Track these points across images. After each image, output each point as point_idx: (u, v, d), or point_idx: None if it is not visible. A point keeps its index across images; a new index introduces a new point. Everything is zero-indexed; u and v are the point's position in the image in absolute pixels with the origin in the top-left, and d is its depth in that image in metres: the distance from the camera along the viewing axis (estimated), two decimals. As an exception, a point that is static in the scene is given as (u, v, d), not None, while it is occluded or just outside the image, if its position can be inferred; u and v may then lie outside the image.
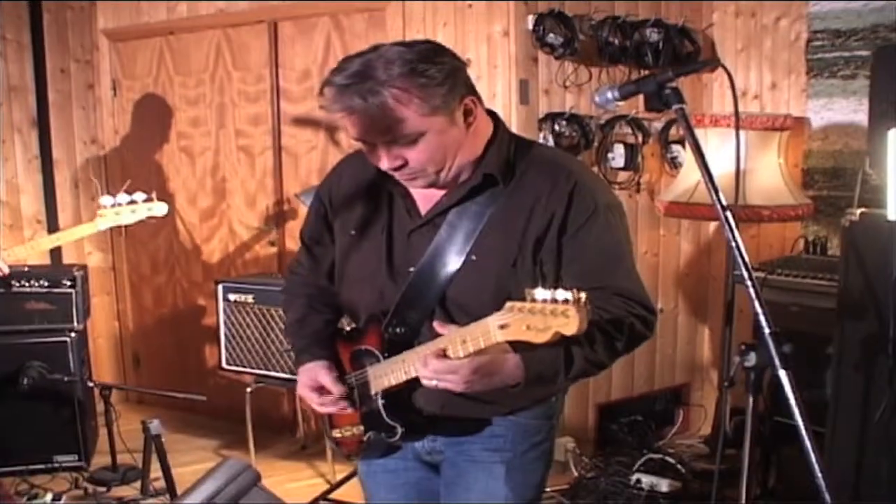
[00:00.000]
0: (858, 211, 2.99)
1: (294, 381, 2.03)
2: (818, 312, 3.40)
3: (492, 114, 1.88)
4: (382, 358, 1.87)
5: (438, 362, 1.61)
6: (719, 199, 1.63)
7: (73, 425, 4.15)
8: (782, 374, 1.53)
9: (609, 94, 1.83)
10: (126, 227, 3.61)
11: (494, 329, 1.53)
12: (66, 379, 4.04)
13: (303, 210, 3.23)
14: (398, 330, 1.85)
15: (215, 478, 2.07)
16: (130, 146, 5.29)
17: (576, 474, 4.02)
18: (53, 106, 5.01)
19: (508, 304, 1.50)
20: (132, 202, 3.55)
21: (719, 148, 3.64)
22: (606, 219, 1.79)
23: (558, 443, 3.89)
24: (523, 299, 1.49)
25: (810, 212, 3.87)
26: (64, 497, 3.91)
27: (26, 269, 4.14)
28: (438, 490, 2.04)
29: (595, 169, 4.03)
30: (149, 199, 3.58)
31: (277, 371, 4.11)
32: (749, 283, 1.59)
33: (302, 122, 4.68)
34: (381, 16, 4.29)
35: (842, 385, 3.03)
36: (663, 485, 3.80)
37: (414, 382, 1.75)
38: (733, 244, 1.62)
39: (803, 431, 1.48)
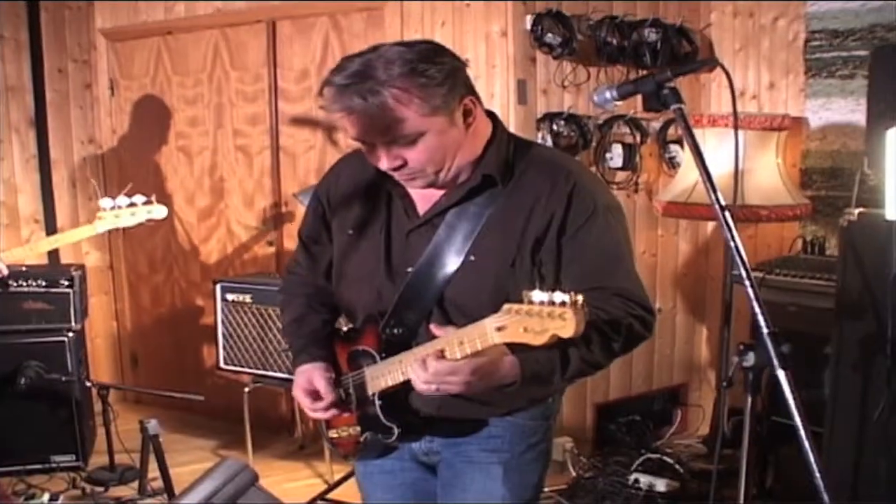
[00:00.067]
0: (856, 211, 2.99)
1: (292, 380, 2.03)
2: (816, 312, 3.40)
3: (491, 114, 1.87)
4: (380, 359, 1.86)
5: (438, 364, 1.61)
6: (718, 199, 1.63)
7: (71, 425, 4.14)
8: (781, 374, 1.53)
9: (607, 94, 1.83)
10: (125, 229, 3.62)
11: (491, 331, 1.53)
12: (63, 379, 4.04)
13: (301, 210, 3.23)
14: (396, 331, 1.85)
15: (213, 478, 2.07)
16: (128, 146, 5.28)
17: (574, 474, 4.02)
18: (51, 105, 5.00)
19: (506, 307, 1.50)
20: (132, 205, 3.54)
21: (717, 148, 3.64)
22: (606, 219, 1.79)
23: (556, 443, 3.90)
24: (521, 301, 1.48)
25: (808, 212, 3.87)
26: (61, 497, 3.91)
27: (24, 268, 4.13)
28: (435, 491, 2.04)
29: (593, 169, 4.03)
30: (148, 202, 3.58)
31: (275, 371, 4.11)
32: (748, 283, 1.59)
33: (300, 121, 4.68)
34: (379, 15, 4.29)
35: (840, 385, 3.04)
36: (661, 485, 3.81)
37: (411, 384, 1.75)
38: (732, 244, 1.62)
39: (802, 431, 1.48)
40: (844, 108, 4.05)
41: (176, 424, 4.79)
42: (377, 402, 1.88)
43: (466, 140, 1.77)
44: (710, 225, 4.53)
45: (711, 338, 4.64)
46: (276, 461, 4.46)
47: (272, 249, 4.89)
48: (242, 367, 4.20)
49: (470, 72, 1.78)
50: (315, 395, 1.94)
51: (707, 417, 4.52)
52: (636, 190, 4.31)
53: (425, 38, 3.95)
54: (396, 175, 1.78)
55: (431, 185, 1.80)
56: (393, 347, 1.83)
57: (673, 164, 4.36)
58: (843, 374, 3.01)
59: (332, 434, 2.05)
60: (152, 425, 3.71)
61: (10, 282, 4.07)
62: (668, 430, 4.58)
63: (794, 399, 1.50)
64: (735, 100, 1.85)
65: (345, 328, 2.08)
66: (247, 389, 4.23)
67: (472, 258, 1.79)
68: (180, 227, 5.17)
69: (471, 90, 1.77)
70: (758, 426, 3.39)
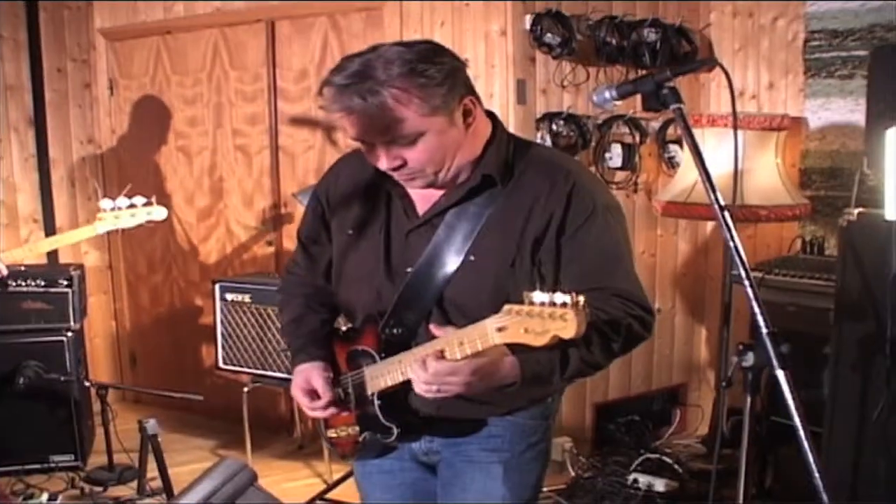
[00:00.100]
0: (856, 211, 2.99)
1: (291, 380, 2.02)
2: (815, 312, 3.40)
3: (490, 114, 1.87)
4: (379, 358, 1.86)
5: (438, 364, 1.61)
6: (717, 199, 1.63)
7: (70, 425, 4.14)
8: (780, 374, 1.52)
9: (607, 94, 1.83)
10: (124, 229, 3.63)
11: (492, 331, 1.53)
12: (62, 378, 4.04)
13: (300, 210, 3.23)
14: (395, 331, 1.85)
15: (212, 477, 2.07)
16: (127, 145, 5.28)
17: (573, 474, 4.02)
18: (50, 105, 5.00)
19: (506, 307, 1.50)
20: (131, 206, 3.55)
21: (717, 148, 3.64)
22: (605, 219, 1.79)
23: (555, 442, 3.90)
24: (521, 302, 1.48)
25: (808, 212, 3.87)
26: (60, 497, 3.91)
27: (23, 268, 4.12)
28: (435, 491, 2.04)
29: (592, 169, 4.03)
30: (148, 204, 3.58)
31: (274, 371, 4.11)
32: (747, 283, 1.59)
33: (299, 121, 4.68)
34: (378, 15, 4.29)
35: (839, 385, 3.04)
36: (660, 485, 3.81)
37: (410, 383, 1.74)
38: (731, 244, 1.62)
39: (801, 431, 1.48)
40: (844, 108, 4.05)
41: (175, 424, 4.79)
42: (376, 402, 1.88)
43: (466, 140, 1.77)
44: (710, 225, 4.53)
45: (710, 338, 4.64)
46: (275, 461, 4.45)
47: (271, 249, 4.89)
48: (241, 366, 4.20)
49: (469, 72, 1.78)
50: (313, 395, 1.94)
51: (706, 417, 4.52)
52: (635, 190, 4.31)
53: (425, 37, 3.95)
54: (396, 175, 1.78)
55: (431, 185, 1.80)
56: (392, 347, 1.83)
57: (672, 164, 4.36)
58: (842, 374, 3.01)
59: (331, 434, 2.05)
60: (151, 425, 3.70)
61: (9, 281, 4.06)
62: (667, 430, 4.58)
63: (794, 399, 1.50)
64: (734, 100, 1.85)
65: (344, 328, 2.08)
66: (246, 389, 4.23)
67: (472, 258, 1.79)
68: (179, 226, 5.17)
69: (470, 90, 1.77)
70: (757, 426, 3.39)
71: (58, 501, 3.86)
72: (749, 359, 1.70)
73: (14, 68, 4.83)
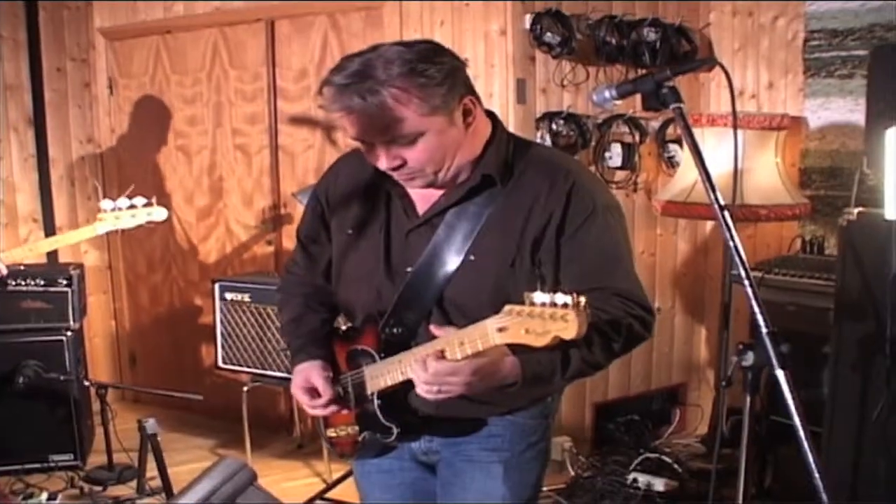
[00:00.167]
0: (856, 210, 2.99)
1: (290, 379, 2.02)
2: (815, 312, 3.40)
3: (490, 114, 1.87)
4: (379, 358, 1.86)
5: (438, 364, 1.60)
6: (717, 199, 1.63)
7: (69, 424, 4.14)
8: (780, 373, 1.52)
9: (607, 93, 1.83)
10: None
11: (493, 332, 1.53)
12: (62, 378, 4.04)
13: (300, 209, 3.23)
14: (395, 330, 1.85)
15: (211, 477, 2.06)
16: (127, 145, 5.28)
17: (572, 473, 4.02)
18: (49, 105, 5.00)
19: (507, 308, 1.50)
20: (132, 206, 3.55)
21: (716, 147, 3.64)
22: (605, 219, 1.79)
23: (555, 442, 3.90)
24: (522, 302, 1.48)
25: (807, 211, 3.87)
26: (60, 496, 3.91)
27: (22, 267, 4.12)
28: (434, 490, 2.03)
29: (592, 168, 4.03)
30: (149, 204, 3.58)
31: (274, 370, 4.11)
32: (747, 282, 1.58)
33: (299, 121, 4.68)
34: (378, 14, 4.29)
35: (839, 385, 3.04)
36: (660, 484, 3.80)
37: (410, 383, 1.74)
38: (731, 244, 1.62)
39: (801, 431, 1.48)
40: (843, 108, 4.05)
41: (174, 423, 4.79)
42: (376, 402, 1.87)
43: (466, 140, 1.77)
44: (709, 224, 4.53)
45: (710, 337, 4.64)
46: (274, 460, 4.45)
47: (271, 249, 4.88)
48: (241, 366, 4.20)
49: (469, 71, 1.78)
50: (314, 393, 1.94)
51: (706, 417, 4.52)
52: (635, 189, 4.31)
53: (424, 37, 3.94)
54: (395, 175, 1.78)
55: (431, 184, 1.80)
56: (392, 347, 1.83)
57: (672, 164, 4.36)
58: (842, 374, 3.01)
59: (331, 433, 2.05)
60: (151, 424, 3.71)
61: (9, 281, 4.06)
62: (666, 430, 4.58)
63: (793, 399, 1.50)
64: (734, 99, 1.85)
65: (343, 327, 2.08)
66: (245, 388, 4.23)
67: (472, 258, 1.79)
68: (179, 226, 5.17)
69: (470, 90, 1.77)
70: (756, 426, 3.39)
71: (57, 501, 3.86)
72: (749, 358, 1.69)
73: (14, 68, 4.83)
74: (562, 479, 3.95)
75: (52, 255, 4.67)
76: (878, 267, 2.83)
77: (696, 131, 3.59)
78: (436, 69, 1.67)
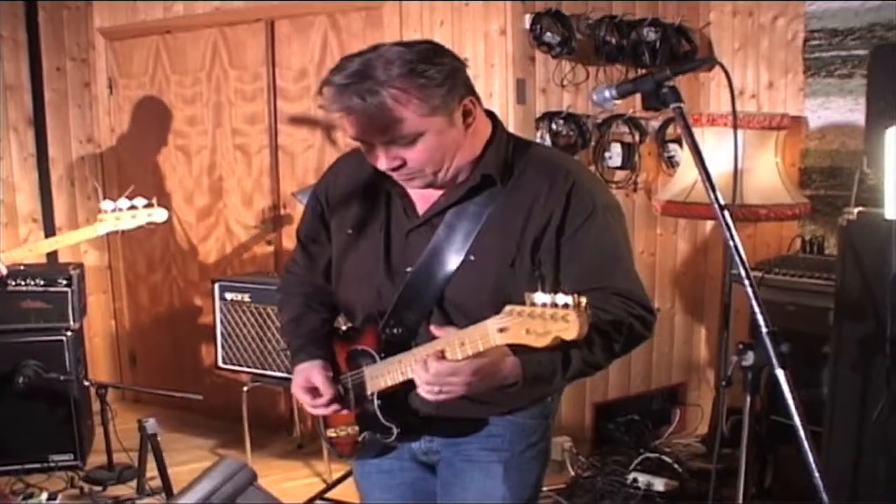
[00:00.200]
0: (856, 210, 2.99)
1: (290, 379, 2.02)
2: (815, 312, 3.40)
3: (490, 114, 1.87)
4: (379, 358, 1.86)
5: (439, 364, 1.60)
6: (717, 198, 1.63)
7: (69, 424, 4.14)
8: (780, 373, 1.52)
9: (607, 93, 1.83)
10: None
11: (493, 332, 1.53)
12: (62, 378, 4.04)
13: (299, 209, 3.24)
14: (395, 330, 1.85)
15: (211, 477, 2.06)
16: (127, 145, 5.28)
17: (572, 473, 4.02)
18: (49, 104, 5.00)
19: (508, 308, 1.50)
20: (132, 207, 3.55)
21: (716, 147, 3.63)
22: (605, 219, 1.78)
23: (555, 442, 3.90)
24: (523, 303, 1.48)
25: (807, 211, 3.86)
26: (60, 496, 3.91)
27: (22, 267, 4.12)
28: (434, 490, 2.03)
29: (592, 168, 4.03)
30: (149, 205, 3.58)
31: (274, 370, 4.11)
32: (747, 282, 1.58)
33: (298, 120, 4.68)
34: (377, 14, 4.28)
35: (839, 384, 3.03)
36: (660, 484, 3.80)
37: (410, 383, 1.74)
38: (731, 243, 1.62)
39: (801, 431, 1.48)
40: (843, 108, 4.05)
41: (174, 423, 4.79)
42: (376, 402, 1.87)
43: (466, 140, 1.77)
44: (709, 224, 4.53)
45: (710, 337, 4.64)
46: (274, 460, 4.45)
47: (271, 249, 4.88)
48: (241, 366, 4.20)
49: (469, 71, 1.78)
50: (314, 392, 1.94)
51: (706, 417, 4.52)
52: (635, 189, 4.31)
53: (424, 37, 3.95)
54: (395, 175, 1.78)
55: (430, 185, 1.80)
56: (392, 347, 1.83)
57: (672, 164, 4.36)
58: (842, 374, 3.01)
59: (331, 433, 2.05)
60: (151, 424, 3.70)
61: (9, 281, 4.06)
62: (666, 430, 4.58)
63: (794, 398, 1.50)
64: (734, 99, 1.85)
65: (343, 327, 2.08)
66: (245, 388, 4.23)
67: (472, 258, 1.79)
68: (179, 226, 5.17)
69: (471, 90, 1.76)
70: (757, 425, 3.39)
71: (57, 501, 3.85)
72: (749, 358, 1.69)
73: (13, 68, 4.83)
74: (562, 479, 3.95)
75: (52, 255, 4.67)
76: (878, 267, 2.83)
77: (696, 131, 3.59)
78: (436, 70, 1.66)
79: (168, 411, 4.82)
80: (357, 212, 1.94)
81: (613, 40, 4.06)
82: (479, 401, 1.79)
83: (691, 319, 4.65)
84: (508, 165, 1.82)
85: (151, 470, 3.79)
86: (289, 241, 4.75)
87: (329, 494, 3.88)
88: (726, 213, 1.63)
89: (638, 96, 1.77)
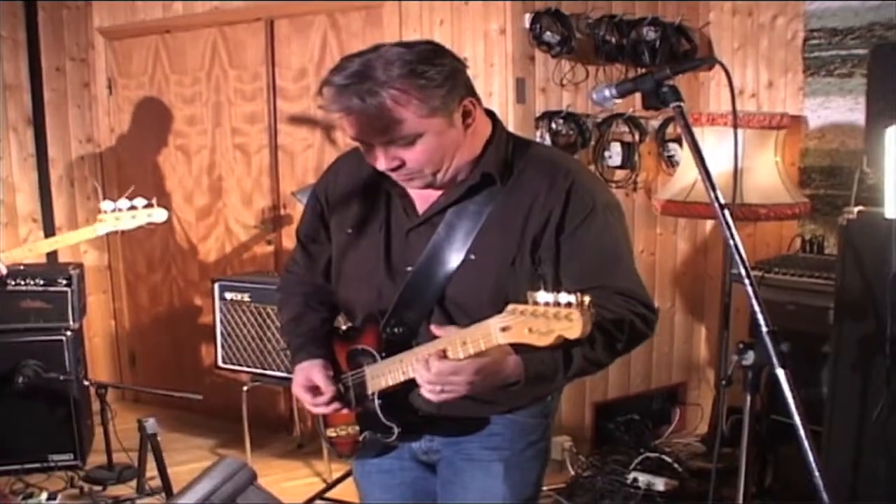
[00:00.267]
0: (856, 209, 2.99)
1: (290, 379, 2.02)
2: (815, 311, 3.40)
3: (490, 113, 1.87)
4: (380, 358, 1.86)
5: (441, 364, 1.60)
6: (717, 198, 1.63)
7: (69, 424, 4.14)
8: (780, 372, 1.52)
9: (606, 92, 1.83)
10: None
11: (496, 331, 1.52)
12: (61, 378, 4.04)
13: (299, 208, 3.24)
14: (396, 330, 1.85)
15: (211, 477, 2.06)
16: (126, 145, 5.28)
17: (572, 473, 4.02)
18: (49, 104, 5.00)
19: (510, 307, 1.49)
20: (132, 208, 3.55)
21: (716, 146, 3.63)
22: (605, 217, 1.78)
23: (555, 441, 3.90)
24: (525, 301, 1.47)
25: (807, 210, 3.86)
26: (59, 496, 3.91)
27: (22, 267, 4.12)
28: (434, 489, 2.03)
29: (592, 167, 4.03)
30: (149, 205, 3.59)
31: (274, 370, 4.11)
32: (747, 281, 1.58)
33: (298, 120, 4.68)
34: (377, 14, 4.28)
35: (839, 384, 3.03)
36: (660, 483, 3.80)
37: (411, 383, 1.74)
38: (731, 243, 1.62)
39: (801, 430, 1.48)
40: (843, 107, 4.05)
41: (174, 423, 4.79)
42: (377, 402, 1.87)
43: (465, 141, 1.77)
44: (709, 223, 4.53)
45: (710, 337, 4.64)
46: (274, 460, 4.45)
47: (271, 248, 4.88)
48: (241, 365, 4.20)
49: (468, 70, 1.78)
50: (315, 391, 1.94)
51: (706, 416, 4.52)
52: (635, 188, 4.31)
53: (424, 36, 3.95)
54: (394, 175, 1.78)
55: (429, 185, 1.80)
56: (393, 347, 1.83)
57: (672, 163, 4.36)
58: (841, 373, 3.01)
59: (331, 433, 2.05)
60: (150, 424, 3.71)
61: (8, 280, 4.06)
62: (666, 429, 4.57)
63: (794, 398, 1.50)
64: (734, 98, 1.85)
65: (344, 327, 2.08)
66: (245, 388, 4.23)
67: (473, 257, 1.79)
68: (179, 226, 5.17)
69: (471, 91, 1.76)
70: (757, 425, 3.37)
71: (57, 501, 3.85)
72: (749, 357, 1.69)
73: (13, 68, 4.83)
74: (562, 479, 3.95)
75: (52, 254, 4.68)
76: (878, 266, 2.83)
77: (696, 130, 3.58)
78: (436, 71, 1.66)
79: (168, 411, 4.82)
80: (357, 211, 1.94)
81: (613, 39, 4.06)
82: (480, 400, 1.79)
83: (691, 319, 4.65)
84: (508, 164, 1.82)
85: (151, 470, 3.80)
86: (289, 240, 4.75)
87: (329, 494, 3.88)
88: (726, 212, 1.62)
89: (638, 95, 1.77)
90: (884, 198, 2.80)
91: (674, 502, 3.75)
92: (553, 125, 4.00)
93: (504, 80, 3.97)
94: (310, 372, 1.95)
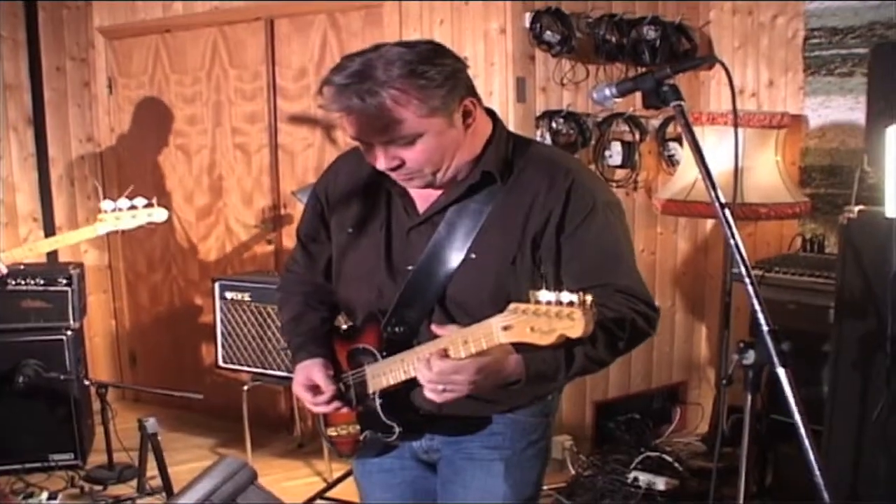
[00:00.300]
0: (856, 208, 2.99)
1: (291, 378, 2.02)
2: (816, 310, 3.40)
3: (490, 112, 1.87)
4: (380, 357, 1.86)
5: (442, 363, 1.60)
6: (718, 197, 1.63)
7: (70, 424, 4.14)
8: (781, 371, 1.52)
9: (607, 91, 1.82)
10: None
11: (498, 330, 1.52)
12: (62, 377, 4.03)
13: (299, 208, 3.23)
14: (397, 329, 1.84)
15: (212, 476, 2.07)
16: (127, 144, 5.28)
17: (573, 472, 4.02)
18: (49, 104, 5.00)
19: (512, 306, 1.49)
20: (132, 207, 3.56)
21: (716, 146, 3.64)
22: (605, 216, 1.78)
23: (556, 441, 3.90)
24: (526, 300, 1.47)
25: (808, 209, 3.86)
26: (60, 496, 3.91)
27: (22, 267, 4.12)
28: (434, 489, 2.03)
29: (592, 167, 4.03)
30: (149, 205, 3.59)
31: (274, 369, 4.11)
32: (748, 280, 1.58)
33: (298, 119, 4.68)
34: (377, 13, 4.28)
35: (839, 383, 3.03)
36: (660, 483, 3.80)
37: (412, 382, 1.74)
38: (732, 242, 1.62)
39: (802, 429, 1.48)
40: (843, 106, 4.05)
41: (174, 423, 4.79)
42: (378, 401, 1.87)
43: (465, 140, 1.77)
44: (710, 223, 4.53)
45: (711, 336, 4.64)
46: (274, 459, 4.45)
47: (271, 248, 4.88)
48: (241, 365, 4.20)
49: (469, 70, 1.78)
50: (315, 390, 1.94)
51: (706, 415, 4.52)
52: (635, 188, 4.31)
53: (424, 36, 3.95)
54: (394, 175, 1.78)
55: (429, 185, 1.80)
56: (394, 346, 1.83)
57: (672, 162, 4.36)
58: (842, 373, 3.01)
59: (331, 432, 2.05)
60: (151, 424, 3.71)
61: (9, 280, 4.06)
62: (667, 429, 4.57)
63: (794, 397, 1.50)
64: (735, 97, 1.85)
65: (344, 326, 2.08)
66: (246, 388, 4.23)
67: (473, 256, 1.79)
68: (179, 225, 5.17)
69: (471, 91, 1.76)
70: (757, 424, 3.39)
71: (57, 500, 3.86)
72: (750, 356, 1.69)
73: (13, 67, 4.83)
74: (562, 478, 3.95)
75: (52, 254, 4.68)
76: (878, 265, 2.83)
77: (696, 130, 3.59)
78: (436, 71, 1.66)
79: (168, 410, 4.82)
80: (357, 210, 1.94)
81: (613, 39, 4.06)
82: (481, 399, 1.79)
83: (692, 318, 4.65)
84: (508, 163, 1.82)
85: (152, 469, 3.80)
86: (289, 240, 4.75)
87: (329, 494, 3.88)
88: (727, 211, 1.62)
89: (638, 95, 1.77)
90: (884, 197, 2.79)
91: (674, 502, 3.75)
92: (553, 124, 4.00)
93: (504, 79, 3.97)
94: (310, 371, 1.95)
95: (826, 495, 1.46)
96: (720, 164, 3.21)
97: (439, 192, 1.83)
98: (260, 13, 4.64)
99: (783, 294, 3.59)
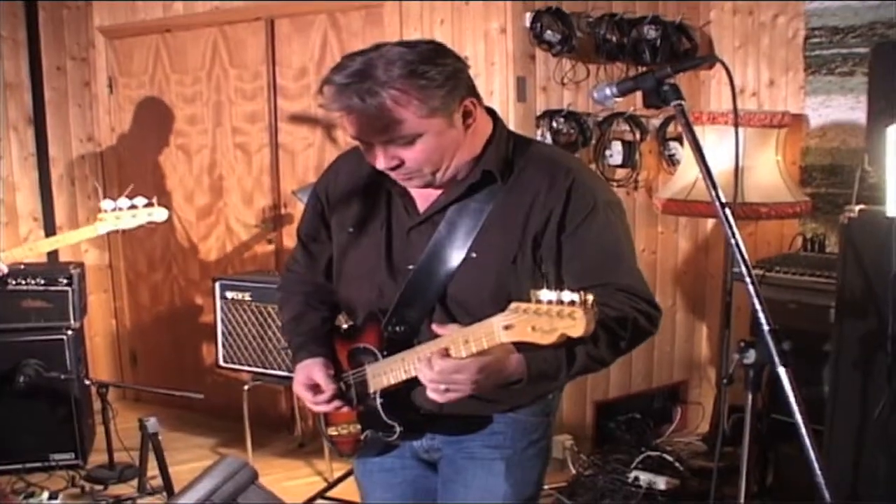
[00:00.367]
0: (857, 208, 2.99)
1: (292, 378, 2.02)
2: (816, 310, 3.40)
3: (491, 111, 1.87)
4: (381, 356, 1.86)
5: (444, 362, 1.60)
6: (718, 196, 1.63)
7: (70, 423, 4.14)
8: (781, 371, 1.52)
9: (607, 91, 1.82)
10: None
11: (499, 330, 1.52)
12: (62, 377, 4.03)
13: (300, 207, 3.23)
14: (398, 328, 1.84)
15: (212, 476, 2.07)
16: (127, 144, 5.28)
17: (574, 472, 4.02)
18: (49, 103, 5.00)
19: (513, 305, 1.49)
20: (132, 207, 3.56)
21: (717, 145, 3.64)
22: (606, 216, 1.78)
23: (556, 440, 3.90)
24: (528, 300, 1.47)
25: (808, 209, 3.86)
26: (60, 495, 3.91)
27: (22, 266, 4.12)
28: (435, 488, 2.03)
29: (593, 166, 4.03)
30: (149, 205, 3.59)
31: (275, 369, 4.11)
32: (748, 280, 1.58)
33: (299, 119, 4.68)
34: (378, 13, 4.28)
35: (840, 383, 3.03)
36: (661, 482, 3.80)
37: (413, 381, 1.74)
38: (733, 241, 1.62)
39: (802, 429, 1.48)
40: (844, 106, 4.05)
41: (175, 422, 4.79)
42: (378, 400, 1.87)
43: (465, 140, 1.76)
44: (710, 222, 4.53)
45: (711, 335, 4.64)
46: (275, 459, 4.45)
47: (271, 247, 4.88)
48: (242, 364, 4.20)
49: (469, 70, 1.78)
50: (316, 390, 1.94)
51: (707, 415, 4.52)
52: (636, 187, 4.31)
53: (424, 36, 3.95)
54: (393, 175, 1.78)
55: (429, 185, 1.80)
56: (395, 345, 1.83)
57: (672, 162, 4.36)
58: (843, 372, 3.01)
59: (332, 432, 2.05)
60: (151, 423, 3.71)
61: (9, 280, 4.06)
62: (668, 428, 4.57)
63: (795, 396, 1.50)
64: (735, 96, 1.85)
65: (344, 326, 2.08)
66: (246, 387, 4.23)
67: (474, 255, 1.79)
68: (179, 225, 5.17)
69: (472, 91, 1.76)
70: (758, 424, 3.39)
71: (58, 500, 3.86)
72: (750, 356, 1.69)
73: (13, 67, 4.83)
74: (563, 478, 3.95)
75: (53, 254, 4.68)
76: (879, 264, 2.83)
77: (697, 129, 3.58)
78: (437, 71, 1.66)
79: (169, 410, 4.82)
80: (358, 210, 1.94)
81: (614, 38, 4.06)
82: (482, 399, 1.78)
83: (692, 317, 4.64)
84: (509, 163, 1.82)
85: (152, 469, 3.80)
86: (289, 239, 4.75)
87: (330, 493, 3.88)
88: (727, 210, 1.62)
89: (638, 94, 1.77)
90: (885, 196, 2.80)
91: (675, 501, 3.75)
92: (554, 124, 4.00)
93: (505, 79, 3.97)
94: (310, 370, 1.95)
95: (827, 495, 1.46)
96: (721, 164, 3.21)
97: (439, 191, 1.83)
98: (260, 13, 4.64)
99: (784, 293, 3.59)
